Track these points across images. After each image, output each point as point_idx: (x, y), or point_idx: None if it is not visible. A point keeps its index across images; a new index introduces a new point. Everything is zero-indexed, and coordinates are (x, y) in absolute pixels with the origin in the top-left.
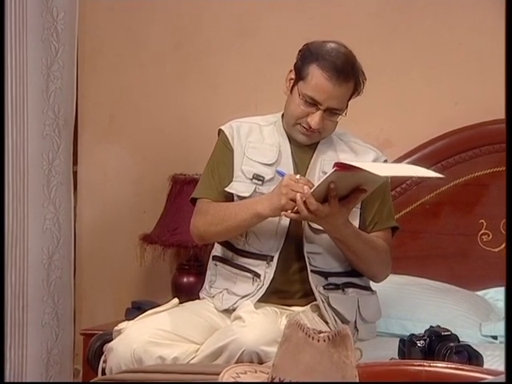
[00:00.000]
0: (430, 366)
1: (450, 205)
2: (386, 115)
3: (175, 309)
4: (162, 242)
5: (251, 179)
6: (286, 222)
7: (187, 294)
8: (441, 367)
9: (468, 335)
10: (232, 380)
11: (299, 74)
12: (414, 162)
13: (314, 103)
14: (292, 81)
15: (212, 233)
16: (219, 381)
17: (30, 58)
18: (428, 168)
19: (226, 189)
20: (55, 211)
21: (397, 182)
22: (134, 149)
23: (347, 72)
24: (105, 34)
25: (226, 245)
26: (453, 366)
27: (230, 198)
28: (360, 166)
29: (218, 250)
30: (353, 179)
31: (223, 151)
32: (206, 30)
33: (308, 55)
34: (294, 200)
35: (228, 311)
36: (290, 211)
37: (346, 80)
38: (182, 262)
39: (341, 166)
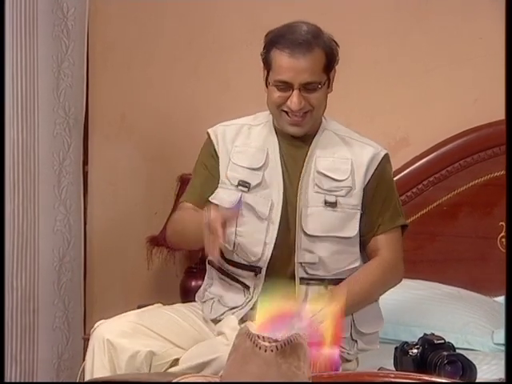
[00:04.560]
0: (395, 377)
1: (469, 206)
2: (403, 113)
3: (160, 308)
4: (168, 244)
5: (236, 186)
6: (274, 230)
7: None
8: (409, 378)
9: (479, 343)
10: None
11: (267, 65)
12: (432, 161)
13: (286, 86)
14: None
15: (173, 242)
16: None
17: (40, 55)
18: (447, 167)
19: (210, 199)
20: (66, 212)
21: (413, 182)
22: (145, 148)
23: (308, 42)
24: (116, 31)
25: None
26: (424, 377)
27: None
28: None
29: None
30: None
31: (207, 156)
32: (217, 26)
33: (268, 44)
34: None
35: (215, 320)
36: None
37: (308, 50)
38: (191, 265)
39: None
